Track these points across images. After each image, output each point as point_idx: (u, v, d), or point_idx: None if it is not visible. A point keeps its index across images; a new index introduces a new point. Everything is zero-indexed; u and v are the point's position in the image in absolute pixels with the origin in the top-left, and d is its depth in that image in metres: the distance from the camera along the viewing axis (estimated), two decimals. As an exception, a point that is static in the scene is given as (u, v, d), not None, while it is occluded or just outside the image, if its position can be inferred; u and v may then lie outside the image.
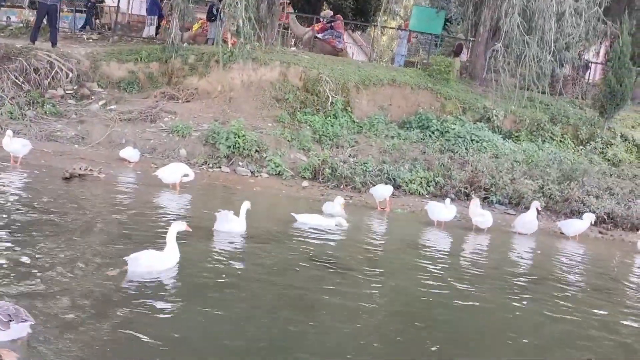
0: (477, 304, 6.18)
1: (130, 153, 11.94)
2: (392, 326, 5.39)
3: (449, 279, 6.98)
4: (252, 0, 14.91)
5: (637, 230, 11.47)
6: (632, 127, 17.35)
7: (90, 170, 10.22)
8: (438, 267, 7.49)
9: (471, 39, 19.45)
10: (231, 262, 6.58)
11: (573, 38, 16.03)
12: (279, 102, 15.11)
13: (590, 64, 21.93)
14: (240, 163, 12.79)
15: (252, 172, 12.55)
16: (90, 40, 17.74)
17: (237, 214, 7.84)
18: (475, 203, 10.55)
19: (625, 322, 6.18)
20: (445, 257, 8.36)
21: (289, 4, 20.36)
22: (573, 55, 17.17)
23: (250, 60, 15.26)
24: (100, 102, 14.42)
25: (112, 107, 14.21)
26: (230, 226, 7.70)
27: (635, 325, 6.14)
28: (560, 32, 15.38)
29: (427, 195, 12.35)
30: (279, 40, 18.44)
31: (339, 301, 5.73)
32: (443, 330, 5.39)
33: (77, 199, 8.48)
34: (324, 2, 25.27)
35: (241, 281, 6.00)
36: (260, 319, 5.06)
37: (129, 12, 22.25)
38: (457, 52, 19.67)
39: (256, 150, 12.95)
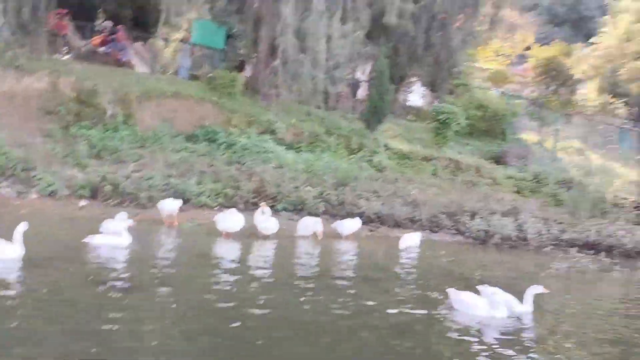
0: (268, 310, 6.42)
1: None
2: (184, 340, 5.37)
3: (239, 288, 7.21)
4: (12, 3, 13.40)
5: (400, 227, 13.28)
6: (393, 137, 19.96)
7: None
8: (228, 277, 7.67)
9: (253, 55, 20.22)
10: (3, 289, 5.87)
11: (341, 58, 17.80)
12: (49, 115, 13.76)
13: (359, 82, 24.60)
14: (4, 183, 11.31)
15: (18, 193, 11.21)
16: None
17: (7, 238, 7.06)
18: (261, 211, 11.01)
19: (390, 308, 7.05)
20: (234, 266, 8.60)
21: (67, 14, 18.69)
22: (343, 74, 19.06)
23: (13, 68, 13.63)
24: None
25: None
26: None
27: (397, 311, 7.03)
28: (330, 53, 16.93)
29: (216, 207, 12.46)
30: (48, 49, 16.78)
31: (128, 322, 5.50)
32: (236, 338, 5.56)
33: None
34: (101, 12, 23.72)
35: (15, 310, 5.38)
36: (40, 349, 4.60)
37: None
38: (240, 68, 20.26)
39: (22, 169, 11.59)
